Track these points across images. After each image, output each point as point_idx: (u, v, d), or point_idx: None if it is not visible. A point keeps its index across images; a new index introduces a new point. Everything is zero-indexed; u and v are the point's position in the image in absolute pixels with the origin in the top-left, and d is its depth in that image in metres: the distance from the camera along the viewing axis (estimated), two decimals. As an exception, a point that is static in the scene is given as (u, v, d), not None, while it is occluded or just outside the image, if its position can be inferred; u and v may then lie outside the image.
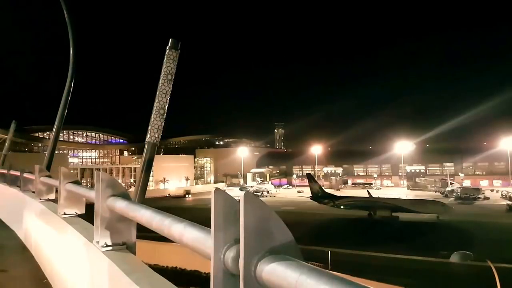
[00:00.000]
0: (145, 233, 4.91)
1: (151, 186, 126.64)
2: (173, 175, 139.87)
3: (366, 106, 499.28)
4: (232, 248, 1.95)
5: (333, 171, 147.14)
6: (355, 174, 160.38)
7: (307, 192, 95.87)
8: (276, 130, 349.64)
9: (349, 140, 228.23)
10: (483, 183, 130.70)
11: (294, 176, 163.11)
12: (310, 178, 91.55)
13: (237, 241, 1.90)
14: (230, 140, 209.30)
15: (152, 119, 7.38)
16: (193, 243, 2.38)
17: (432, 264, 36.78)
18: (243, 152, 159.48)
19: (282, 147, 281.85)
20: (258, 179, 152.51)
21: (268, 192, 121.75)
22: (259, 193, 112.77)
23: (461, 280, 31.70)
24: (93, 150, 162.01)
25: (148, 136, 7.45)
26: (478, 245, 41.81)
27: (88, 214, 5.14)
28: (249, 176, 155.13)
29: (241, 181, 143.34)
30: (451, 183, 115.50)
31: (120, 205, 3.81)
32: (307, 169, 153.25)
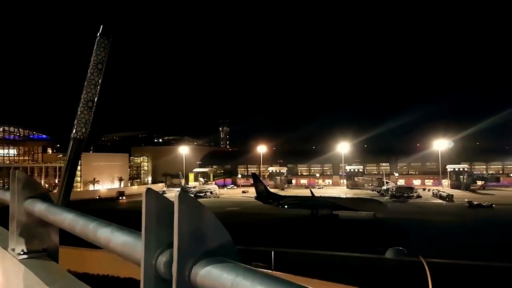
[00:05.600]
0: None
1: (79, 187, 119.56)
2: (104, 175, 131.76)
3: (311, 106, 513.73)
4: (165, 253, 1.82)
5: (277, 171, 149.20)
6: (299, 173, 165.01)
7: (252, 192, 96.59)
8: (221, 128, 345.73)
9: (294, 140, 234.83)
10: (416, 182, 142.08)
11: (239, 175, 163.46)
12: (255, 178, 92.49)
13: (170, 245, 1.76)
14: (171, 137, 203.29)
15: (79, 113, 6.77)
16: (122, 248, 2.17)
17: (369, 260, 38.40)
18: (185, 151, 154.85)
19: (227, 146, 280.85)
20: (201, 179, 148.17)
21: (211, 192, 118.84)
22: (202, 194, 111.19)
23: (394, 275, 33.36)
24: (11, 147, 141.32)
25: (74, 131, 6.83)
26: (411, 241, 44.67)
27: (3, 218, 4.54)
28: (191, 176, 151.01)
29: (183, 181, 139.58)
30: (386, 182, 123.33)
31: (39, 207, 3.48)
32: (252, 169, 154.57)
